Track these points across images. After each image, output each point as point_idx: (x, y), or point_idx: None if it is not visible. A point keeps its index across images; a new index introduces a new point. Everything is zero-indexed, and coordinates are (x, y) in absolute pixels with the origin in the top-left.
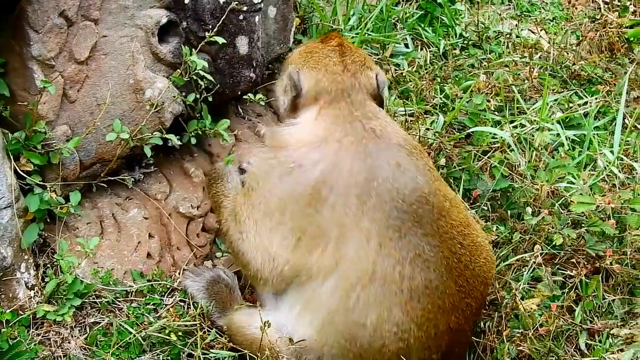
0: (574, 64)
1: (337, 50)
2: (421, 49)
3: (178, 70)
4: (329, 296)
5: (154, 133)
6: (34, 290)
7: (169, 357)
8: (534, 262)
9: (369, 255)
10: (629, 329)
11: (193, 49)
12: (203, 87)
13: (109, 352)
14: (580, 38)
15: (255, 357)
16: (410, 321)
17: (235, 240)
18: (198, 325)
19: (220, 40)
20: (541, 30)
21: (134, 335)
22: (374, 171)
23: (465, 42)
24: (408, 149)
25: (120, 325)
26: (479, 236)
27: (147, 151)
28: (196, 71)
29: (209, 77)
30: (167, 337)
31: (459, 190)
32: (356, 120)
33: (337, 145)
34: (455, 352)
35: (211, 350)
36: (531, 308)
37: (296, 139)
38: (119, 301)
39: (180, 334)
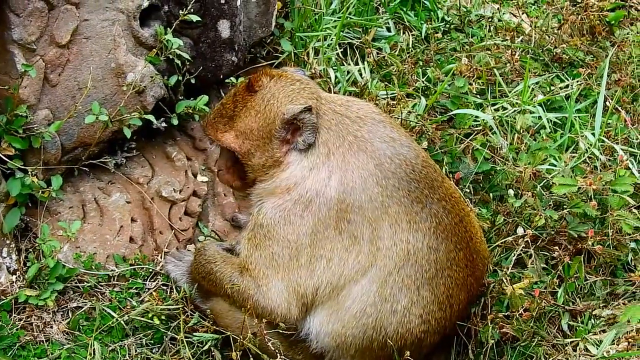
0: (555, 47)
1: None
2: (403, 33)
3: (154, 50)
4: (364, 293)
5: (133, 114)
6: (15, 275)
7: (152, 341)
8: (521, 247)
9: (403, 236)
10: (611, 309)
11: (168, 28)
12: (184, 69)
13: (91, 336)
14: (562, 21)
15: (239, 339)
16: (435, 299)
17: (253, 294)
18: (181, 309)
19: (195, 18)
20: (523, 13)
21: (117, 320)
22: (378, 155)
23: (447, 25)
24: (385, 120)
25: (103, 309)
26: (471, 211)
27: (127, 132)
28: (172, 50)
29: (186, 55)
30: (150, 321)
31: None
32: (332, 121)
33: (336, 152)
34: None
35: (194, 333)
36: (518, 294)
37: (300, 175)
38: (102, 285)
39: (163, 317)
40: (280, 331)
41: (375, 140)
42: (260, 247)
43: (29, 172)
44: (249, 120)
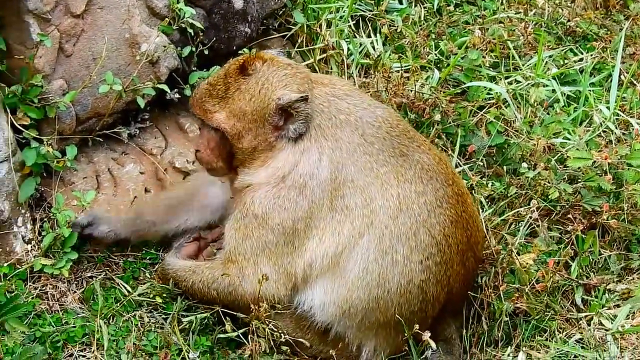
0: (569, 20)
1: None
2: (415, 5)
3: (166, 19)
4: (364, 252)
5: (146, 84)
6: (30, 244)
7: (164, 312)
8: (531, 217)
9: (393, 192)
10: (625, 284)
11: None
12: (198, 40)
13: (106, 306)
14: None
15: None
16: (432, 241)
17: (238, 285)
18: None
19: None
20: None
21: (129, 292)
22: (361, 124)
23: None
24: (356, 89)
25: (114, 280)
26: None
27: (140, 102)
28: (185, 19)
29: (198, 24)
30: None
31: (454, 146)
32: (324, 103)
33: (327, 132)
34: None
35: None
36: (527, 264)
37: (292, 160)
38: (115, 256)
39: (165, 295)
40: (280, 311)
41: (357, 111)
42: (252, 236)
43: (44, 142)
44: (243, 104)
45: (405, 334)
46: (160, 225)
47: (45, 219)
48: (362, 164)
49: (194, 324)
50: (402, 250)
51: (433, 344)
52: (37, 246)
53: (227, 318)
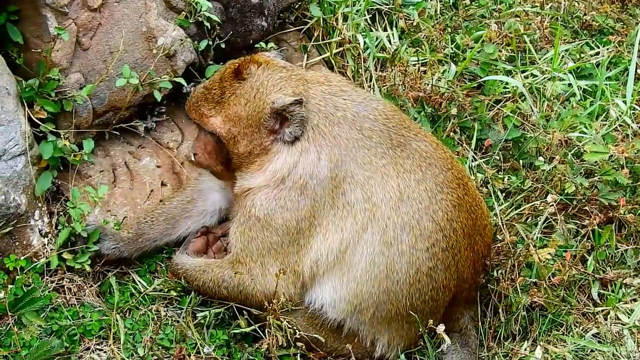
0: (585, 14)
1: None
2: None
3: (183, 12)
4: (369, 245)
5: (163, 77)
6: (47, 237)
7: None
8: (547, 212)
9: (393, 183)
10: None
11: None
12: (214, 34)
13: (122, 299)
14: None
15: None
16: (436, 227)
17: (248, 285)
18: None
19: None
20: None
21: (145, 287)
22: (358, 119)
23: None
24: (350, 84)
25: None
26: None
27: (157, 95)
28: (201, 12)
29: (215, 17)
30: (167, 295)
31: (471, 140)
32: (321, 102)
33: (325, 130)
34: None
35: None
36: (545, 258)
37: (291, 162)
38: None
39: (179, 288)
40: (293, 307)
41: (354, 106)
42: (256, 238)
43: (61, 136)
44: (238, 109)
45: (419, 326)
46: (161, 239)
47: (62, 213)
48: (360, 158)
49: (207, 319)
50: (407, 240)
51: (447, 339)
52: (53, 240)
53: (244, 312)
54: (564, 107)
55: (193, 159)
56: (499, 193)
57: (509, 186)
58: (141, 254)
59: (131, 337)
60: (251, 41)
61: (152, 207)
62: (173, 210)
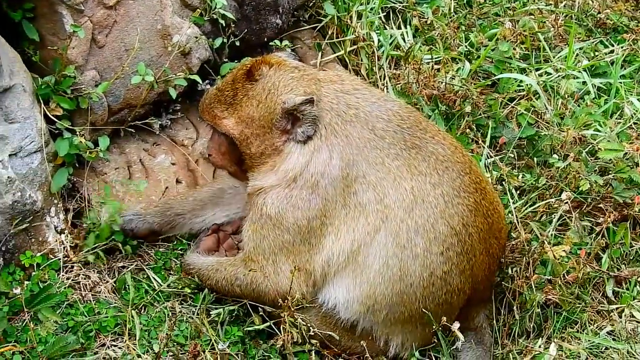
0: (599, 12)
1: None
2: None
3: (198, 10)
4: (381, 247)
5: (178, 75)
6: (63, 234)
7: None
8: (562, 209)
9: (407, 185)
10: None
11: None
12: (229, 32)
13: (137, 295)
14: None
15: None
16: (451, 231)
17: (261, 283)
18: None
19: None
20: None
21: (159, 284)
22: (371, 119)
23: None
24: (364, 83)
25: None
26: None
27: (172, 92)
28: (216, 10)
29: (230, 15)
30: (181, 291)
31: (485, 137)
32: (333, 101)
33: (337, 129)
34: (482, 280)
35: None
36: (560, 256)
37: (303, 161)
38: (147, 246)
39: (193, 286)
40: (307, 305)
41: (367, 105)
42: (268, 237)
43: (77, 133)
44: (251, 110)
45: (433, 327)
46: (189, 219)
47: (78, 210)
48: (373, 159)
49: (222, 316)
50: (421, 243)
51: (461, 336)
52: (69, 236)
53: (259, 308)
54: (578, 105)
55: (209, 159)
56: (513, 191)
57: (523, 184)
58: (169, 229)
59: (146, 333)
60: (265, 39)
61: (183, 191)
62: (202, 193)
